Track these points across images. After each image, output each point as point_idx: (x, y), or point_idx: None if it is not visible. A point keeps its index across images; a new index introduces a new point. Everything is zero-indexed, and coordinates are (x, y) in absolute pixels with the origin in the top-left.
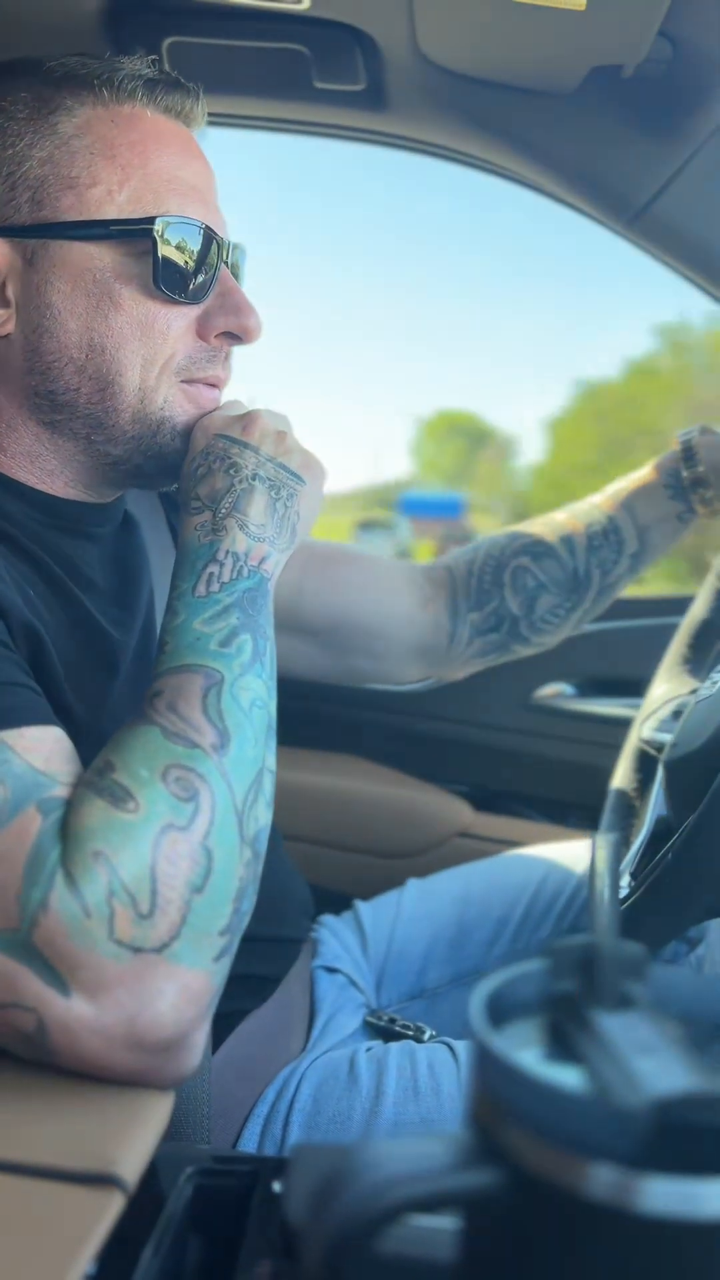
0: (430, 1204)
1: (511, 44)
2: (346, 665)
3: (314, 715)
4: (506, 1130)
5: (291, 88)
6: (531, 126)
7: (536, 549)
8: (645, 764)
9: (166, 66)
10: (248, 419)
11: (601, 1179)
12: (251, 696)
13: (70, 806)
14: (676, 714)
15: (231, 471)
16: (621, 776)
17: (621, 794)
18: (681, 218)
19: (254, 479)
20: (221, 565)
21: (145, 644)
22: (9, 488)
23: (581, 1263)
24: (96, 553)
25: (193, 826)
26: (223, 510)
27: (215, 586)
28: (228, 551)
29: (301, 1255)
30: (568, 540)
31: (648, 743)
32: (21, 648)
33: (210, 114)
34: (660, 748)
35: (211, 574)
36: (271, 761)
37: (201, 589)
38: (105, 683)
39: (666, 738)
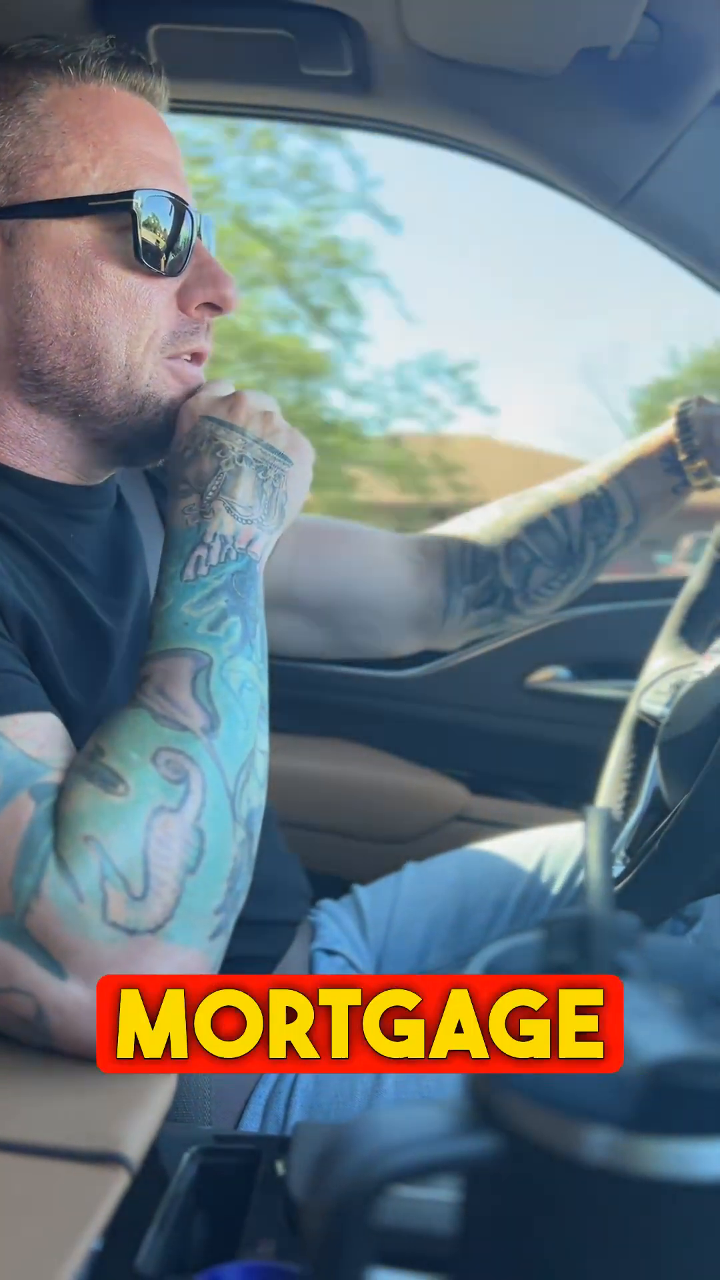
0: (427, 1171)
1: (498, 27)
2: (341, 640)
3: (310, 702)
4: (502, 1096)
5: (278, 74)
6: (519, 110)
7: (531, 522)
8: (642, 736)
9: (152, 54)
10: (234, 400)
11: (598, 1142)
12: (241, 679)
13: (62, 792)
14: (675, 687)
15: (219, 454)
16: (619, 749)
17: (619, 766)
18: (669, 200)
19: (241, 460)
20: (209, 548)
21: (140, 632)
22: None
23: (580, 1226)
24: (89, 536)
25: (184, 808)
26: (210, 493)
27: (203, 570)
28: (215, 534)
29: (302, 1227)
30: (561, 513)
31: (645, 715)
32: (17, 635)
33: (198, 102)
34: (658, 720)
35: (199, 557)
36: (264, 743)
37: (189, 572)
38: (101, 670)
39: (664, 711)
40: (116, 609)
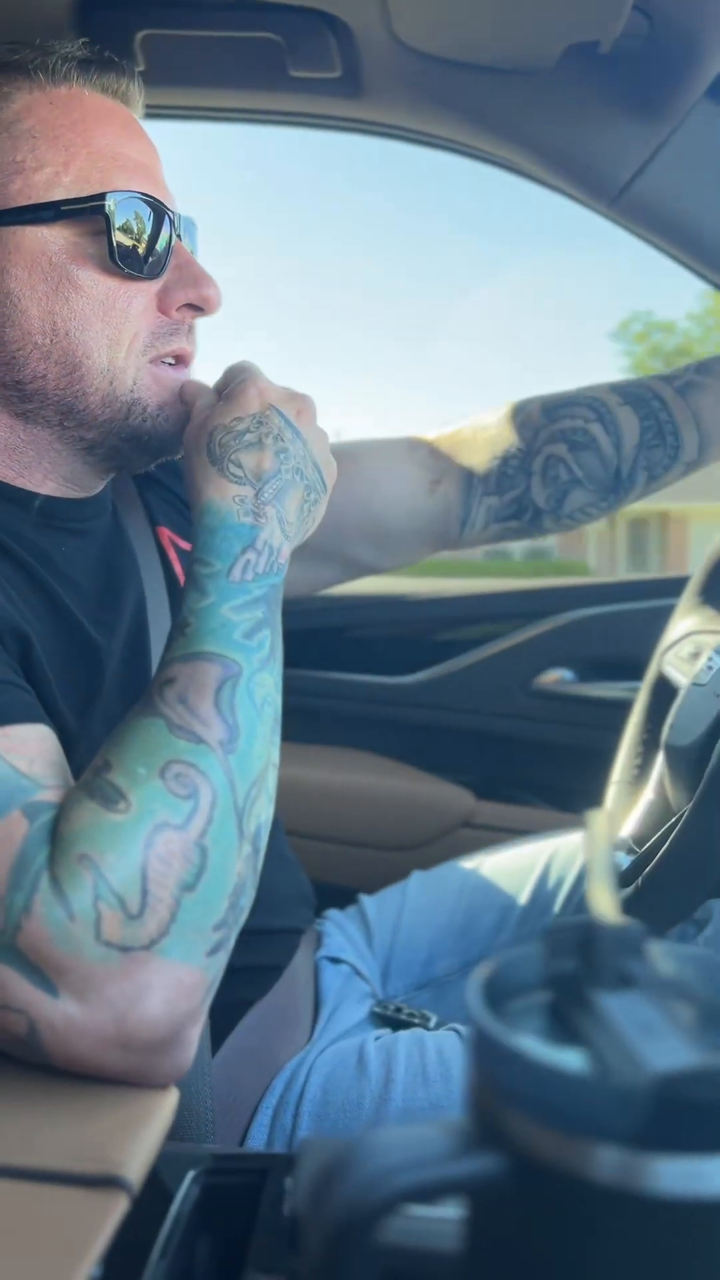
0: (431, 1193)
1: (486, 24)
2: (345, 567)
3: (314, 710)
4: (506, 1114)
5: (266, 77)
6: (509, 108)
7: (576, 438)
8: (662, 697)
9: (139, 60)
10: (303, 405)
11: (606, 1160)
12: (264, 693)
13: (62, 809)
14: (694, 655)
15: (282, 456)
16: (639, 709)
17: (638, 728)
18: (663, 196)
19: (297, 473)
20: (259, 555)
21: (133, 650)
22: None
23: (589, 1246)
24: (81, 550)
25: (189, 825)
26: (266, 494)
27: (249, 575)
28: (265, 542)
29: (303, 1248)
30: (615, 432)
31: (666, 678)
32: (10, 649)
33: (186, 107)
34: (676, 689)
35: (249, 561)
36: (276, 757)
37: (237, 574)
38: (92, 688)
39: (682, 679)
40: (108, 625)
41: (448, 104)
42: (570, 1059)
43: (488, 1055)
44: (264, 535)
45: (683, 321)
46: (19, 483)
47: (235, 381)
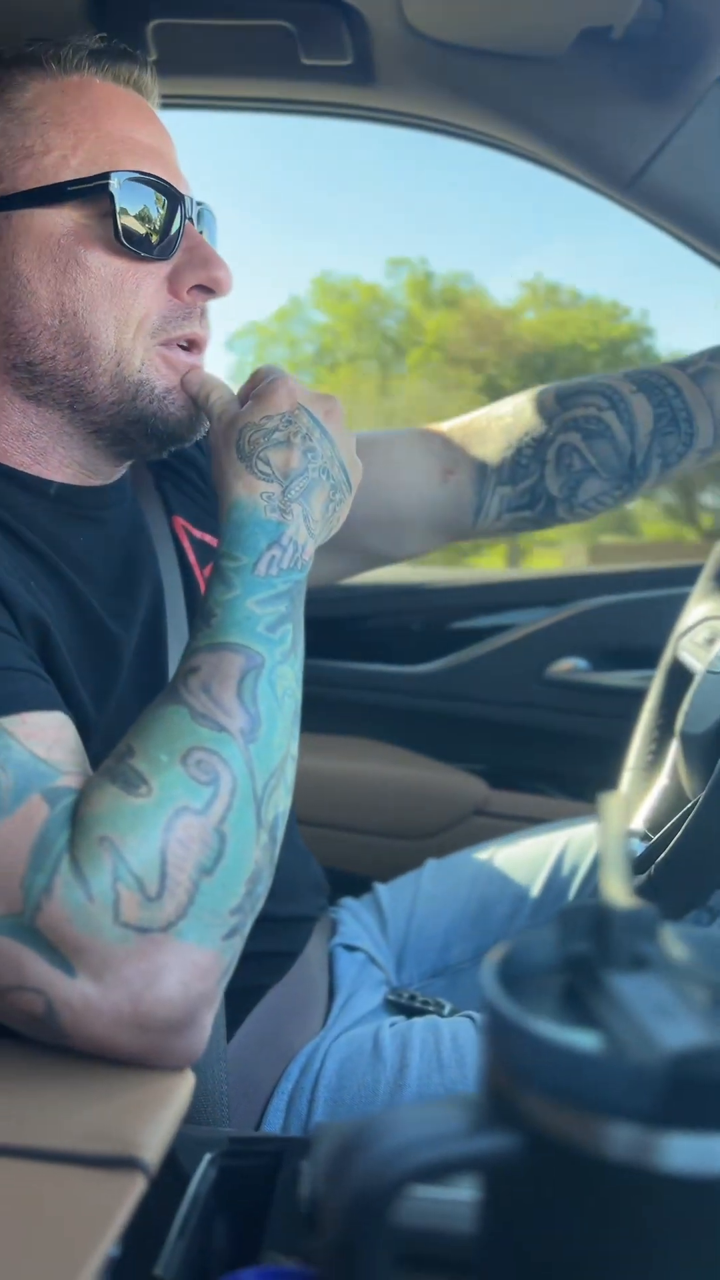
0: (446, 1170)
1: (498, 9)
2: (357, 554)
3: (328, 699)
4: (521, 1093)
5: (278, 66)
6: (522, 94)
7: (590, 426)
8: (677, 682)
9: (151, 50)
10: (330, 406)
11: (620, 1138)
12: (285, 685)
13: (83, 793)
14: (710, 640)
15: (310, 455)
16: (654, 693)
17: (653, 712)
18: (678, 181)
19: (323, 473)
20: (284, 551)
21: (149, 640)
22: (4, 472)
23: (603, 1224)
24: (98, 539)
25: (209, 810)
26: (292, 492)
27: (274, 570)
28: (291, 539)
29: (319, 1226)
30: (628, 419)
31: (682, 663)
32: (29, 638)
33: (198, 97)
34: (692, 674)
35: (274, 557)
36: (295, 749)
37: (262, 568)
38: (109, 677)
39: (698, 665)
40: (125, 615)
41: (460, 91)
42: (584, 1039)
43: (503, 1035)
44: (289, 532)
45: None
46: (34, 470)
47: (265, 381)
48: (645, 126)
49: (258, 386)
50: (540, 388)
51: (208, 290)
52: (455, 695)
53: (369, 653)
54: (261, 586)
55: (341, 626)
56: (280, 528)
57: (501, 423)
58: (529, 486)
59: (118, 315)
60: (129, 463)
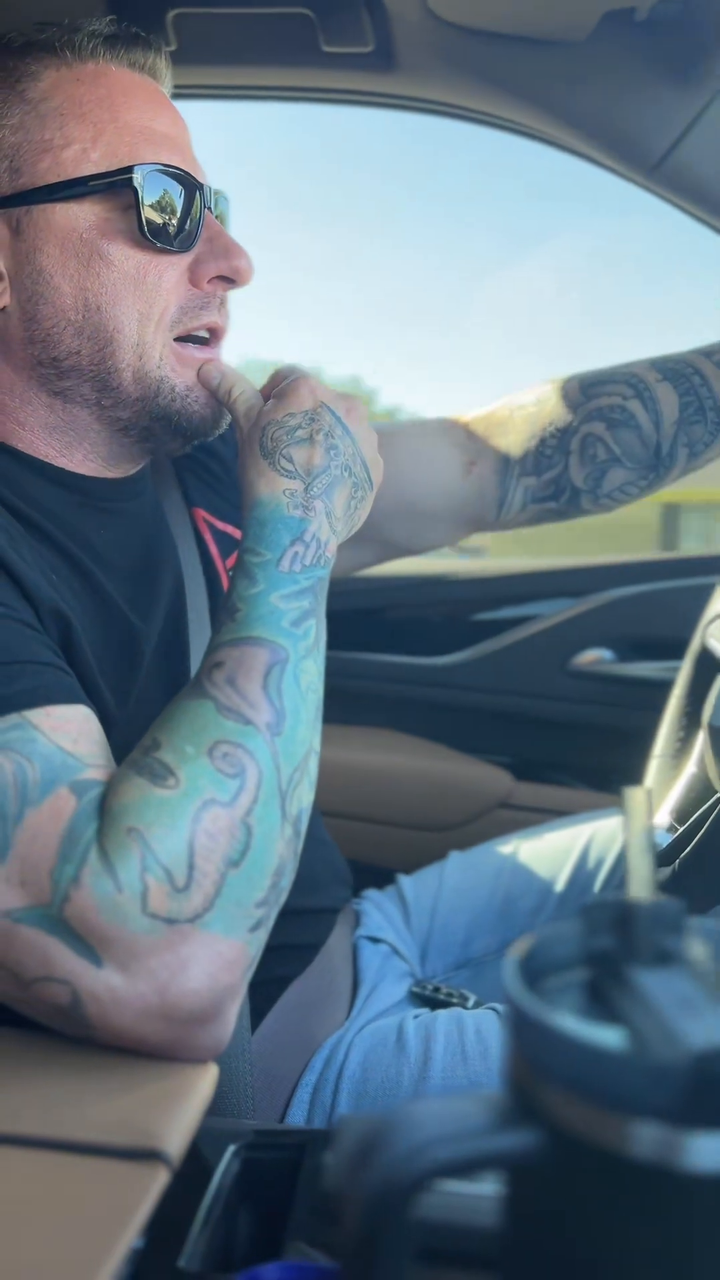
0: (467, 1167)
1: None
2: (379, 545)
3: (352, 691)
4: (544, 1089)
5: (299, 53)
6: (545, 79)
7: (615, 415)
8: (705, 669)
9: (171, 39)
10: (352, 405)
11: (644, 1136)
12: (309, 680)
13: (110, 785)
14: None
15: (332, 452)
16: (682, 681)
17: (680, 700)
18: (704, 164)
19: (345, 470)
20: (307, 547)
21: (170, 633)
22: (29, 464)
23: (627, 1222)
24: (120, 531)
25: (236, 803)
26: (315, 489)
27: (298, 566)
28: (314, 535)
29: (340, 1220)
30: (653, 407)
31: (710, 651)
32: (51, 632)
33: (219, 86)
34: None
35: (297, 553)
36: (318, 743)
37: (286, 564)
38: (131, 671)
39: None
40: (146, 608)
41: (482, 76)
42: (608, 1035)
43: (525, 1031)
44: (312, 529)
45: None
46: (60, 462)
47: (288, 380)
48: (670, 109)
49: (279, 385)
50: (564, 376)
51: (228, 280)
52: (480, 687)
53: (393, 644)
54: (285, 582)
55: (365, 618)
56: (303, 524)
57: (524, 413)
58: (553, 478)
59: (141, 308)
60: (150, 457)
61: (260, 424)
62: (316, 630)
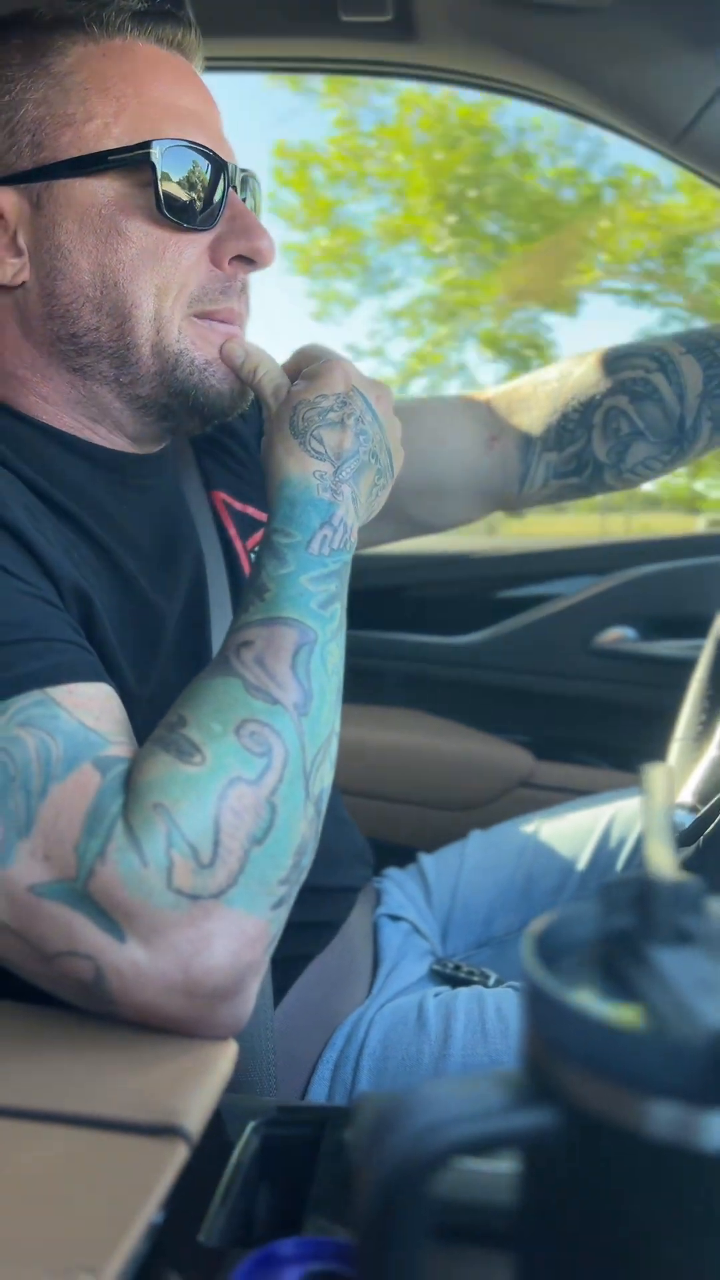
0: (484, 1145)
1: None
2: (400, 521)
3: (373, 671)
4: (561, 1068)
5: (317, 24)
6: (568, 47)
7: (638, 388)
8: None
9: (189, 11)
10: (381, 391)
11: (661, 1116)
12: (334, 662)
13: (136, 761)
14: None
15: (361, 437)
16: (704, 663)
17: (702, 683)
18: None
19: (372, 457)
20: (335, 531)
21: (191, 613)
22: (54, 437)
23: (644, 1202)
24: (142, 508)
25: (262, 781)
26: (344, 473)
27: (326, 550)
28: (341, 520)
29: (357, 1198)
30: (677, 380)
31: None
32: (73, 610)
33: (236, 58)
34: None
35: (325, 537)
36: (339, 724)
37: (315, 547)
38: (152, 649)
39: None
40: (167, 587)
41: (503, 45)
42: (626, 1014)
43: (542, 1009)
44: (340, 513)
45: None
46: (85, 435)
47: (320, 361)
48: (695, 78)
49: (309, 365)
50: (586, 352)
51: (249, 261)
52: (501, 666)
53: (414, 624)
54: (315, 564)
55: (386, 597)
56: (332, 507)
57: (547, 388)
58: (575, 452)
59: (158, 284)
60: (170, 436)
61: (291, 403)
62: (341, 614)
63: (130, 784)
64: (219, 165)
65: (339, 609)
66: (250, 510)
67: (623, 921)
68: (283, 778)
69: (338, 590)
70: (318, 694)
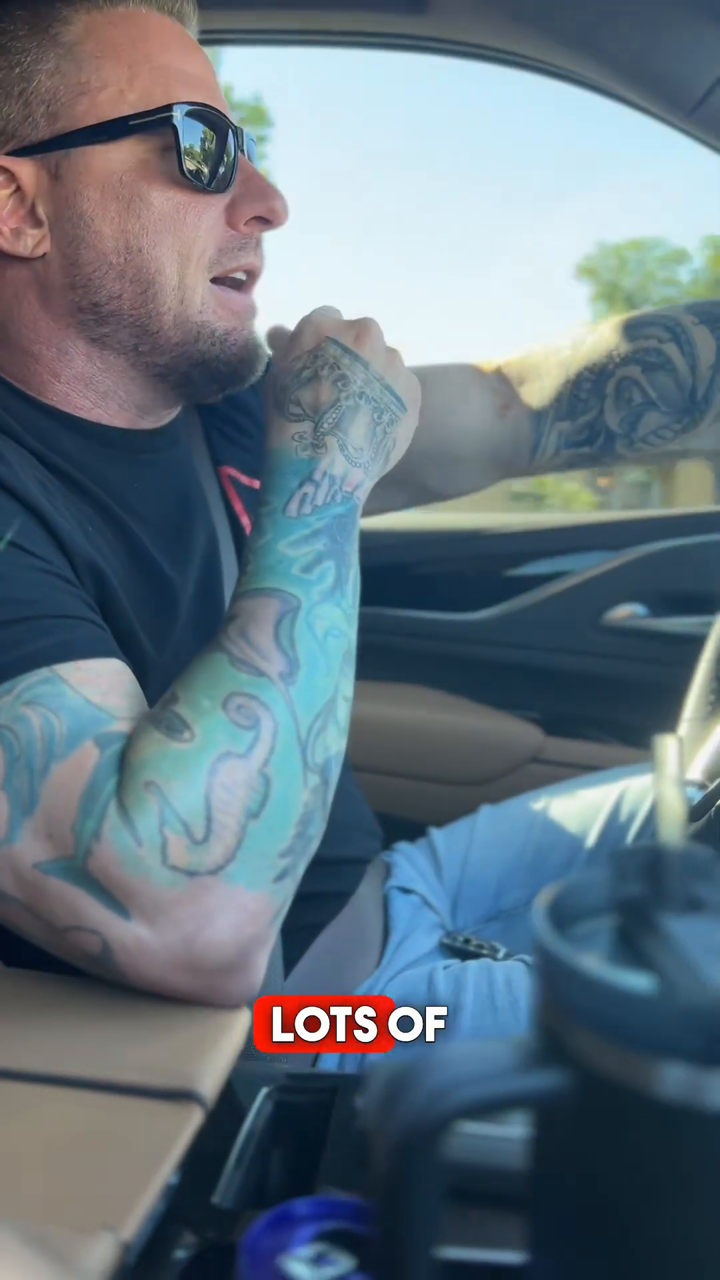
0: (496, 1106)
1: None
2: (411, 489)
3: (384, 647)
4: (573, 1032)
5: None
6: (579, 17)
7: (650, 358)
8: None
9: None
10: (361, 327)
11: (671, 1077)
12: (328, 625)
13: (129, 739)
14: None
15: (340, 384)
16: (713, 644)
17: (711, 663)
18: None
19: (360, 397)
20: (317, 486)
21: (205, 585)
22: (62, 421)
23: (654, 1163)
24: (152, 482)
25: (252, 754)
26: (325, 425)
27: (307, 509)
28: (325, 473)
29: (369, 1160)
30: (690, 349)
31: None
32: (87, 585)
33: (246, 30)
34: None
35: (305, 494)
36: (347, 689)
37: (293, 509)
38: (167, 622)
39: None
40: (180, 560)
41: (516, 17)
42: (636, 979)
43: (554, 974)
44: (322, 465)
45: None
46: (94, 415)
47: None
48: (710, 49)
49: (288, 340)
50: (600, 321)
51: (265, 221)
52: (511, 642)
53: (425, 600)
54: (293, 527)
55: (397, 573)
56: (312, 463)
57: (559, 356)
58: (588, 421)
59: (181, 249)
60: (181, 405)
61: (272, 383)
62: (337, 572)
63: (124, 762)
64: (230, 128)
65: (330, 567)
66: (257, 484)
67: (634, 889)
68: (274, 749)
69: (328, 548)
70: (305, 661)
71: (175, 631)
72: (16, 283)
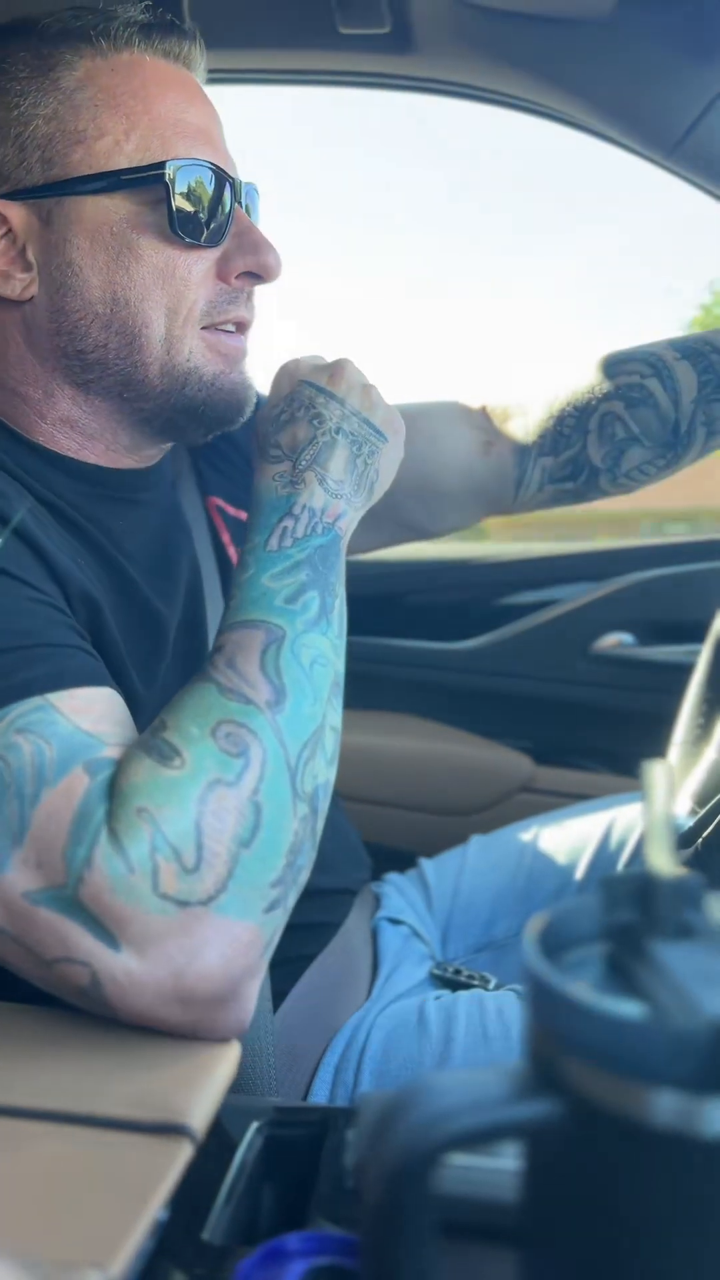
0: (488, 1136)
1: None
2: (395, 526)
3: (373, 676)
4: (564, 1060)
5: (315, 36)
6: (565, 58)
7: (633, 394)
8: None
9: (187, 21)
10: (335, 368)
11: (664, 1105)
12: (314, 654)
13: (119, 765)
14: None
15: (316, 422)
16: (702, 666)
17: (700, 685)
18: None
19: (337, 433)
20: (296, 520)
21: (190, 618)
22: (50, 460)
23: (648, 1191)
24: (139, 521)
25: (241, 782)
26: (303, 462)
27: (288, 542)
28: (304, 506)
29: (362, 1190)
30: (672, 385)
31: None
32: (80, 615)
33: (235, 70)
34: None
35: (285, 528)
36: (335, 719)
37: (274, 543)
38: (156, 656)
39: None
40: (167, 594)
41: (501, 56)
42: (628, 1006)
43: (545, 1002)
44: (301, 499)
45: None
46: (81, 455)
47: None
48: (691, 87)
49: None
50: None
51: (256, 276)
52: (500, 671)
53: (413, 629)
54: (274, 560)
55: (386, 603)
56: (291, 499)
57: (543, 394)
58: (571, 457)
59: (169, 303)
60: (169, 445)
61: (255, 430)
62: (321, 601)
63: (115, 788)
64: (227, 181)
65: (314, 597)
66: (244, 515)
67: (624, 916)
68: (263, 777)
69: (311, 578)
70: (292, 690)
71: (163, 662)
72: (4, 324)
